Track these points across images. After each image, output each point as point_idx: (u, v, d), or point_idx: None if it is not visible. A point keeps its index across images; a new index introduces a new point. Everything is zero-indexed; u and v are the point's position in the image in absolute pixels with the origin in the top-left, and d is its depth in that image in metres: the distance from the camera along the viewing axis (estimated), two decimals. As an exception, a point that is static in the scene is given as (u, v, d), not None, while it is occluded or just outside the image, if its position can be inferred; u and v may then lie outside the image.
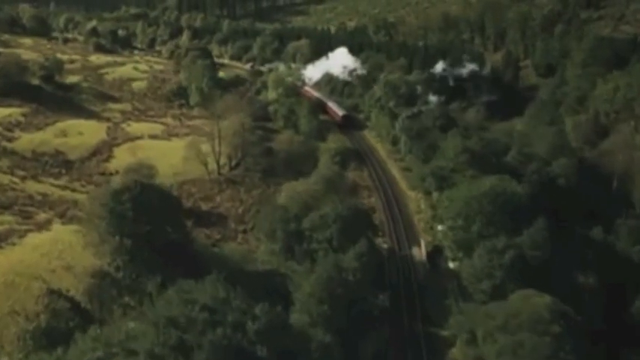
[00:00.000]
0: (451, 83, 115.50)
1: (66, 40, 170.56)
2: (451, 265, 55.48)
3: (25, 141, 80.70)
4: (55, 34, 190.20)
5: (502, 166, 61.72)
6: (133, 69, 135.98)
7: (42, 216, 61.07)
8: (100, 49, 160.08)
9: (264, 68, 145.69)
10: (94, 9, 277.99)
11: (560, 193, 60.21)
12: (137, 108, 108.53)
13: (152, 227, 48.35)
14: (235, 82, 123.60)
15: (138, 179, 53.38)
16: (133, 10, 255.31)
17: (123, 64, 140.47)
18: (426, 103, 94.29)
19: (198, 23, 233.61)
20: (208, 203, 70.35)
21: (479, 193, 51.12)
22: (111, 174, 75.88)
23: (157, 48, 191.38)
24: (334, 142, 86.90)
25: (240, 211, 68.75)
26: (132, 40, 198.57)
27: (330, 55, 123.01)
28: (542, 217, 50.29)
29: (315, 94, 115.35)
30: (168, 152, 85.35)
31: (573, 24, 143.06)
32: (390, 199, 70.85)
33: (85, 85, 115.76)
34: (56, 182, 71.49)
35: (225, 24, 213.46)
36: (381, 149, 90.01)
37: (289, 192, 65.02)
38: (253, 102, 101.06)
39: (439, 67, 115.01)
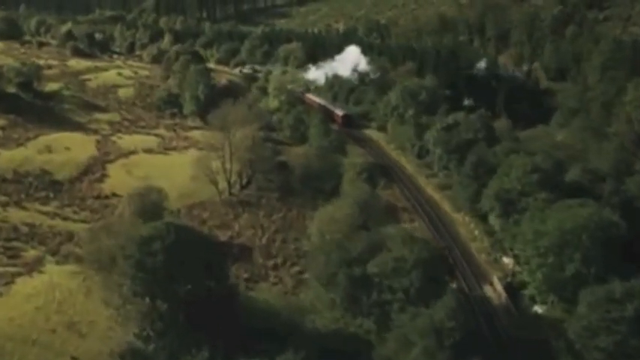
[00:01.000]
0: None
1: (41, 44, 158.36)
2: (538, 309, 46.92)
3: (5, 159, 69.92)
4: (27, 37, 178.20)
5: (571, 187, 53.47)
6: (117, 75, 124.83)
7: (31, 253, 50.93)
8: (77, 53, 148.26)
9: (256, 72, 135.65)
10: (65, 12, 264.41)
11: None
12: (126, 118, 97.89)
13: (191, 284, 38.57)
14: (232, 89, 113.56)
15: (170, 221, 42.92)
16: (108, 13, 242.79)
17: (105, 69, 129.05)
18: (453, 111, 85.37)
19: (178, 26, 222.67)
20: (226, 231, 60.55)
21: (575, 225, 42.55)
22: (107, 197, 65.70)
23: (137, 52, 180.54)
24: (355, 155, 77.76)
25: (263, 240, 59.10)
26: (110, 44, 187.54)
27: (338, 56, 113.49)
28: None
29: (318, 100, 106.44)
30: (168, 169, 75.44)
31: (585, 25, 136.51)
32: (435, 223, 61.93)
33: (66, 93, 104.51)
34: (44, 208, 61.14)
35: (208, 27, 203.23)
36: (406, 163, 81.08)
37: (324, 219, 55.79)
38: (261, 112, 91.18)
39: (481, 65, 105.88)
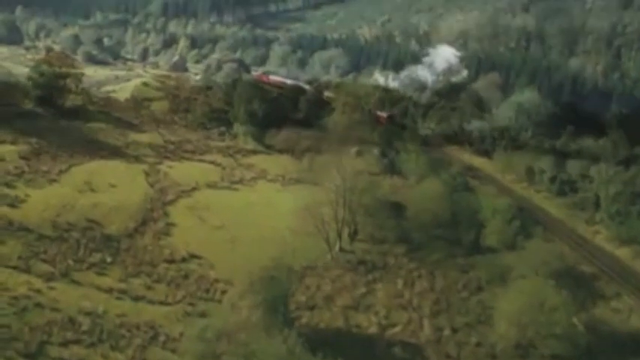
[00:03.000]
0: None
1: (49, 50, 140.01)
2: None
3: (38, 204, 51.29)
4: (27, 42, 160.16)
5: None
6: (143, 85, 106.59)
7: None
8: (90, 60, 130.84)
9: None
10: (64, 15, 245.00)
11: None
12: (169, 140, 79.80)
13: None
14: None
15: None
16: (112, 16, 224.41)
17: (127, 78, 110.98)
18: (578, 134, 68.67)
19: (190, 30, 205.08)
20: (368, 317, 42.58)
21: None
22: (183, 259, 47.48)
23: (152, 58, 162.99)
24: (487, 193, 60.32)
25: (426, 330, 41.30)
26: (120, 50, 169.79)
27: (427, 58, 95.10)
28: None
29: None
30: (246, 212, 57.66)
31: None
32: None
33: (91, 108, 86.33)
34: (102, 281, 42.78)
35: (229, 32, 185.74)
36: (542, 201, 63.89)
37: (516, 302, 38.40)
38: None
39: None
